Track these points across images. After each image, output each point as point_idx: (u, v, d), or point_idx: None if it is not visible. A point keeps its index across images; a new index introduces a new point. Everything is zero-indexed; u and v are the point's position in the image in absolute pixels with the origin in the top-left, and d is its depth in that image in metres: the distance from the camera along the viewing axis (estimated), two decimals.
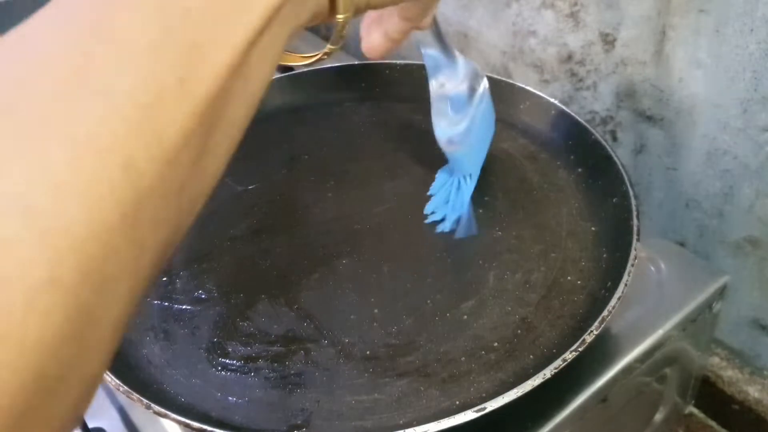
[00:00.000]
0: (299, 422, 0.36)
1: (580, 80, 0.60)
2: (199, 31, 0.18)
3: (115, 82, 0.16)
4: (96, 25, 0.17)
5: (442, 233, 0.46)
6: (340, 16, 0.24)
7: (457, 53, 0.44)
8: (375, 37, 0.36)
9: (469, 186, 0.48)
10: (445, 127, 0.45)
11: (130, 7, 0.17)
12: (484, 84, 0.46)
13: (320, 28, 0.92)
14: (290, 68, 0.69)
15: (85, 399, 0.17)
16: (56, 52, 0.16)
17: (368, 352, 0.39)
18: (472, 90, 0.45)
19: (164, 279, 0.45)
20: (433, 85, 0.44)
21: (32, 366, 0.14)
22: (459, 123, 0.45)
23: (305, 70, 0.61)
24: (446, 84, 0.44)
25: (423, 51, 0.43)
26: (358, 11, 0.26)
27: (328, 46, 0.27)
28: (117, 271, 0.16)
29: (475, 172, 0.48)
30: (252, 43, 0.19)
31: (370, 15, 0.36)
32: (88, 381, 0.17)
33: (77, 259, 0.15)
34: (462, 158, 0.47)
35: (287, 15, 0.21)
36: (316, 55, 0.29)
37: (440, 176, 0.50)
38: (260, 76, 0.20)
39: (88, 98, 0.16)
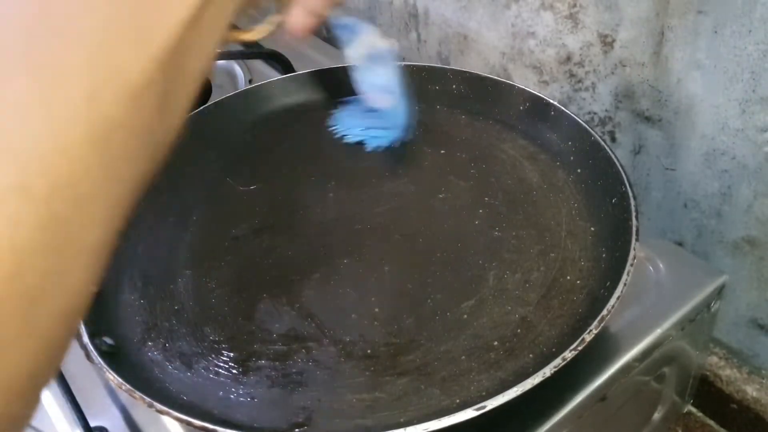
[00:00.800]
0: (300, 420, 0.36)
1: (579, 81, 0.60)
2: None
3: (75, 28, 0.18)
4: None
5: (444, 233, 0.47)
6: None
7: (364, 22, 0.49)
8: (299, 15, 0.38)
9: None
10: (376, 83, 0.49)
11: None
12: (393, 41, 0.50)
13: (321, 28, 0.92)
14: (292, 69, 0.69)
15: (69, 325, 0.18)
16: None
17: (369, 351, 0.39)
18: (384, 46, 0.50)
19: (167, 278, 0.45)
20: (353, 51, 0.49)
21: (6, 269, 0.16)
22: (388, 76, 0.49)
23: (306, 71, 0.61)
24: (371, 44, 0.49)
25: (337, 23, 0.48)
26: None
27: (273, 19, 0.29)
28: (91, 190, 0.18)
29: (407, 120, 0.52)
30: (188, 31, 0.20)
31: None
32: (72, 302, 0.18)
33: (44, 169, 0.16)
34: (395, 109, 0.51)
35: None
36: (261, 31, 0.31)
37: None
38: (213, 35, 0.22)
39: (50, 35, 0.18)
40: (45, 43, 0.18)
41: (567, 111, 0.52)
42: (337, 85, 0.60)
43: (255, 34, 0.32)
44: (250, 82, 0.71)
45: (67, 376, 0.44)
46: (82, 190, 0.17)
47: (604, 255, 0.43)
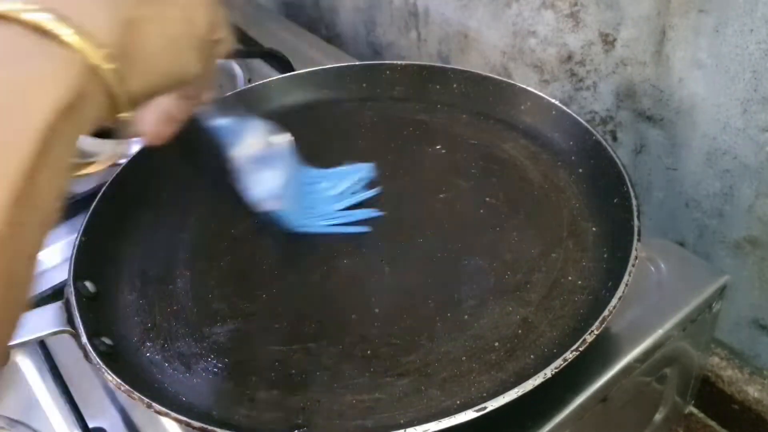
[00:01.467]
0: (300, 421, 0.36)
1: (580, 80, 0.60)
2: None
3: None
4: None
5: (444, 233, 0.46)
6: (123, 115, 0.25)
7: (245, 115, 0.44)
8: (158, 122, 0.35)
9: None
10: (263, 187, 0.44)
11: None
12: (287, 135, 0.46)
13: (320, 28, 0.92)
14: (291, 68, 0.69)
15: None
16: None
17: (369, 352, 0.39)
18: (273, 148, 0.45)
19: (166, 278, 0.45)
20: (235, 153, 0.43)
21: None
22: (276, 178, 0.44)
23: (306, 70, 0.61)
24: (253, 144, 0.43)
25: (213, 124, 0.42)
26: (139, 105, 0.26)
27: (115, 148, 0.28)
28: None
29: (306, 223, 0.47)
30: (32, 171, 0.20)
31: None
32: None
33: None
34: (287, 215, 0.46)
35: (67, 130, 0.21)
36: (107, 161, 0.30)
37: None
38: (52, 196, 0.21)
39: None
40: None
41: (568, 110, 0.52)
42: (337, 85, 0.60)
43: (97, 165, 0.30)
44: (249, 81, 0.70)
45: (65, 377, 0.44)
46: None
47: (605, 255, 0.43)
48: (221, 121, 0.41)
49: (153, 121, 0.35)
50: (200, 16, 0.29)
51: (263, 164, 0.43)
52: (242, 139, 0.43)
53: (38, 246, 0.22)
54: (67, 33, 0.21)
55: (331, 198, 0.49)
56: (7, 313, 0.21)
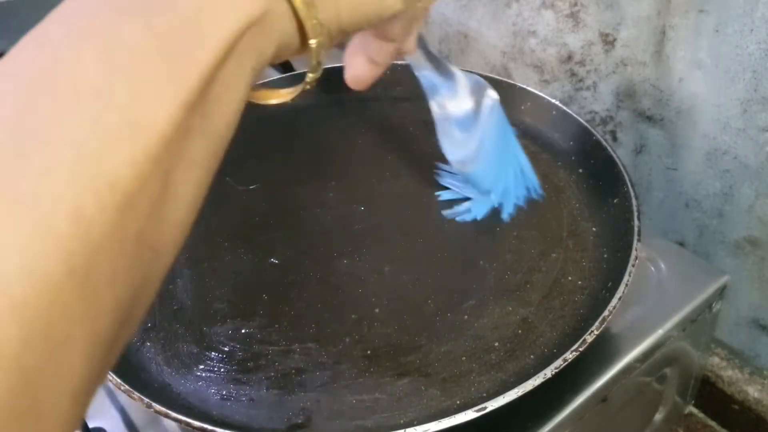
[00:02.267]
0: (300, 421, 0.36)
1: (580, 80, 0.60)
2: (147, 70, 0.17)
3: (58, 132, 0.15)
4: (40, 75, 0.16)
5: (444, 233, 0.46)
6: (312, 41, 0.23)
7: (455, 69, 0.41)
8: (358, 63, 0.33)
9: (489, 204, 0.46)
10: (454, 149, 0.42)
11: (73, 52, 0.17)
12: (491, 96, 0.43)
13: None
14: (291, 68, 0.69)
15: None
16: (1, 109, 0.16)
17: (369, 352, 0.39)
18: (478, 105, 0.42)
19: (166, 278, 0.45)
20: (434, 106, 0.42)
21: None
22: (467, 143, 0.42)
23: (305, 70, 0.60)
24: (447, 104, 0.41)
25: (417, 73, 0.40)
26: (331, 36, 0.24)
27: (309, 76, 0.26)
28: (68, 333, 0.15)
29: (495, 189, 0.45)
30: (207, 81, 0.18)
31: (352, 42, 0.34)
32: None
33: (17, 322, 0.14)
34: (477, 177, 0.44)
35: (247, 49, 0.19)
36: (294, 90, 0.27)
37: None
38: (222, 114, 0.19)
39: (31, 151, 0.15)
40: (23, 160, 0.15)
41: (568, 110, 0.52)
42: (337, 85, 0.60)
43: (284, 94, 0.27)
44: None
45: None
46: (57, 335, 0.15)
47: (605, 255, 0.43)
48: (424, 71, 0.39)
49: (357, 64, 0.33)
50: None
51: (458, 125, 0.41)
52: (441, 94, 0.41)
53: (202, 167, 0.19)
54: None
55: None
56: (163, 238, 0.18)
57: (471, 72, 0.42)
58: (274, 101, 0.27)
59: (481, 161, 0.43)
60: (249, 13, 0.19)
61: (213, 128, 0.19)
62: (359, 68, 0.33)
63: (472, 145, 0.42)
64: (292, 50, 0.23)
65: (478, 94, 0.42)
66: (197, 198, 0.20)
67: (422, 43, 0.38)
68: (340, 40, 0.26)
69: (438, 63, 0.40)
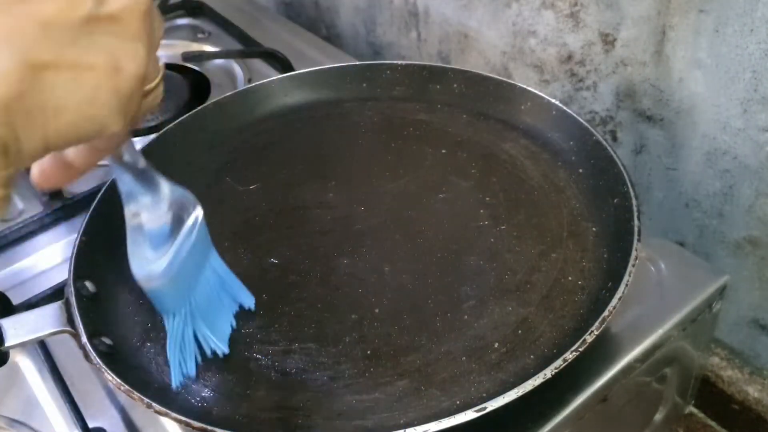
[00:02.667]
0: (300, 421, 0.36)
1: (580, 80, 0.60)
2: None
3: None
4: None
5: (444, 233, 0.46)
6: (8, 173, 0.21)
7: (161, 180, 0.37)
8: (47, 167, 0.29)
9: (173, 327, 0.39)
10: (141, 262, 0.37)
11: None
12: (197, 214, 0.39)
13: (320, 28, 0.92)
14: (291, 68, 0.69)
15: None
16: None
17: (369, 352, 0.39)
18: (179, 221, 0.38)
19: None
20: (127, 213, 0.37)
21: None
22: (157, 260, 0.37)
23: (306, 70, 0.61)
24: (142, 215, 0.37)
25: (115, 174, 0.36)
26: (27, 164, 0.22)
27: None
28: None
29: (179, 310, 0.39)
30: None
31: None
32: None
33: None
34: (162, 296, 0.39)
35: None
36: None
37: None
38: None
39: None
40: None
41: (568, 110, 0.52)
42: (337, 85, 0.60)
43: None
44: (249, 81, 0.70)
45: (65, 377, 0.44)
46: None
47: (605, 255, 0.43)
48: (124, 175, 0.35)
49: (47, 166, 0.29)
50: (130, 64, 0.24)
51: (150, 240, 0.37)
52: (137, 203, 0.36)
53: None
54: None
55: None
56: None
57: (178, 186, 0.38)
58: None
59: (169, 279, 0.38)
60: None
61: None
62: (55, 173, 0.29)
63: (162, 263, 0.37)
64: None
65: (182, 210, 0.39)
66: None
67: (129, 148, 0.34)
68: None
69: (142, 171, 0.36)
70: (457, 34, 0.71)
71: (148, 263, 0.37)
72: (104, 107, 0.23)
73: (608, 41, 0.55)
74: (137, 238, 0.37)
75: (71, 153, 0.29)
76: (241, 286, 0.42)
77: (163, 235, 0.37)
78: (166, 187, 0.37)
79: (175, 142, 0.54)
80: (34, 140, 0.21)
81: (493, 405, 0.33)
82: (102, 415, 0.43)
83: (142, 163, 0.35)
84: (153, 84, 0.27)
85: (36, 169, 0.29)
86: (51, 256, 0.54)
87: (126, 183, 0.35)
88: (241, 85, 0.70)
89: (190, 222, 0.39)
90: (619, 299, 0.37)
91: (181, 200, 0.38)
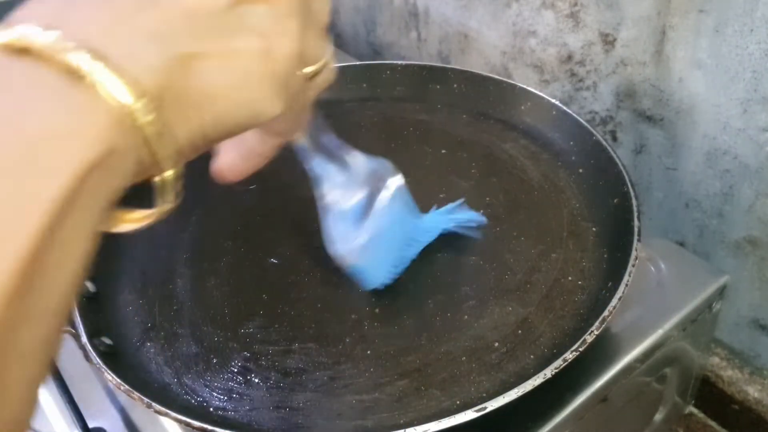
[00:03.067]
0: (300, 421, 0.36)
1: (580, 80, 0.60)
2: None
3: None
4: None
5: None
6: (167, 174, 0.21)
7: (352, 155, 0.36)
8: (230, 157, 0.29)
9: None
10: (339, 242, 0.37)
11: None
12: (392, 185, 0.38)
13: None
14: None
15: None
16: None
17: (369, 352, 0.39)
18: (373, 196, 0.37)
19: (166, 278, 0.45)
20: (320, 194, 0.37)
21: None
22: (355, 238, 0.37)
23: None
24: (336, 195, 0.36)
25: (301, 156, 0.36)
26: (189, 156, 0.22)
27: (165, 206, 0.23)
28: None
29: (387, 279, 0.41)
30: (50, 229, 0.16)
31: None
32: None
33: None
34: (365, 272, 0.39)
35: (95, 187, 0.18)
36: (150, 215, 0.24)
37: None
38: (72, 256, 0.18)
39: None
40: None
41: (568, 110, 0.52)
42: (337, 85, 0.60)
43: (139, 219, 0.24)
44: None
45: (65, 377, 0.44)
46: None
47: (605, 255, 0.43)
48: (316, 160, 0.35)
49: (232, 155, 0.29)
50: (283, 46, 0.22)
51: (346, 218, 0.36)
52: (330, 183, 0.36)
53: (45, 325, 0.17)
54: (102, 77, 0.18)
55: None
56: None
57: (374, 157, 0.37)
58: (127, 227, 0.24)
59: (369, 256, 0.38)
60: (86, 159, 0.17)
61: (62, 274, 0.18)
62: (230, 162, 0.29)
63: (359, 240, 0.37)
64: (146, 177, 0.21)
65: (377, 183, 0.38)
66: (61, 318, 0.18)
67: (314, 129, 0.34)
68: (208, 149, 0.23)
69: (331, 150, 0.36)
70: (457, 35, 0.71)
71: (345, 241, 0.36)
72: (257, 91, 0.22)
73: (608, 41, 0.55)
74: (331, 219, 0.37)
75: (250, 140, 0.29)
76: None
77: (359, 213, 0.37)
78: (361, 161, 0.36)
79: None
80: (189, 129, 0.21)
81: (493, 405, 0.33)
82: (102, 415, 0.43)
83: (333, 142, 0.34)
84: (317, 66, 0.26)
85: (223, 161, 0.29)
86: None
87: (317, 165, 0.35)
88: None
89: (388, 193, 0.38)
90: (619, 299, 0.37)
91: (378, 171, 0.37)
